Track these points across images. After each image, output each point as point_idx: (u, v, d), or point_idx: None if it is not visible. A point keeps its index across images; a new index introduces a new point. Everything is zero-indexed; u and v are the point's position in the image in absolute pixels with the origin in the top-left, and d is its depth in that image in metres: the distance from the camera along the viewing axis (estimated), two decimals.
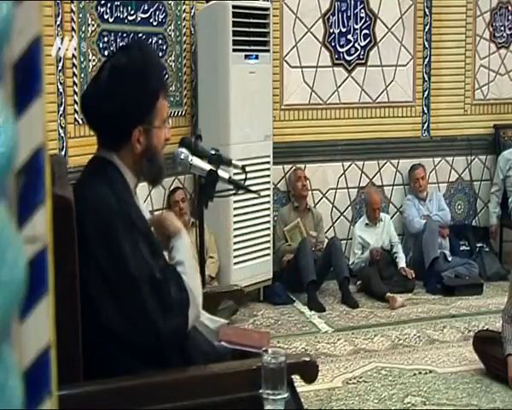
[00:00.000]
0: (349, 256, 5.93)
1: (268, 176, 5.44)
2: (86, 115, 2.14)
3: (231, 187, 2.65)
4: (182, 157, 2.50)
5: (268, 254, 5.49)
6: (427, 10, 6.23)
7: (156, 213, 2.47)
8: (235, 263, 5.25)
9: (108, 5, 4.68)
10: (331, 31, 6.03)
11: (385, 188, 6.28)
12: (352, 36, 6.09)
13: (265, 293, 5.51)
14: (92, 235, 1.94)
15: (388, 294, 5.44)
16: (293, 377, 1.98)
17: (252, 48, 5.22)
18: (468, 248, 6.32)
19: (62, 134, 4.32)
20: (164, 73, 2.23)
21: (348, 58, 6.10)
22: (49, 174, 0.78)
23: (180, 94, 5.36)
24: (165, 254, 2.14)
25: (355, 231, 6.01)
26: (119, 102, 2.01)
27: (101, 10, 4.64)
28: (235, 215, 5.18)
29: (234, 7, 5.05)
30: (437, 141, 6.38)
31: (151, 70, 2.09)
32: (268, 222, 5.48)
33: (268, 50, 5.36)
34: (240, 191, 2.72)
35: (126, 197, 2.05)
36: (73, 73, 4.41)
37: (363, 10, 6.09)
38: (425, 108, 6.32)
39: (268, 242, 5.49)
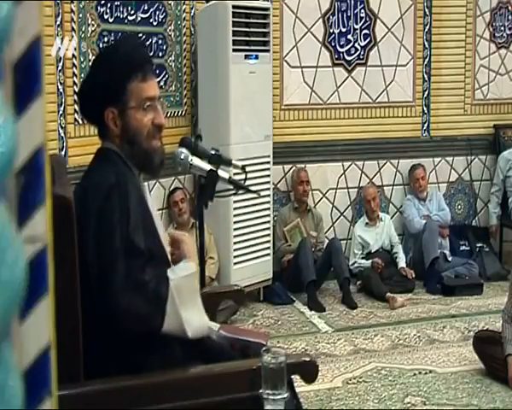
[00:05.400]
0: (349, 256, 5.92)
1: (268, 176, 5.44)
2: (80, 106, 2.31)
3: (231, 187, 2.65)
4: (182, 157, 2.50)
5: (268, 254, 5.49)
6: (427, 10, 6.23)
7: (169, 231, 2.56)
8: (235, 263, 5.24)
9: (108, 5, 4.68)
10: (331, 31, 6.03)
11: (385, 188, 6.28)
12: (352, 36, 6.09)
13: (265, 293, 5.50)
14: (91, 213, 1.95)
15: (388, 294, 5.43)
16: (293, 377, 1.98)
17: (252, 48, 5.22)
18: (468, 248, 6.32)
19: (62, 134, 4.33)
20: (141, 56, 2.23)
21: (348, 58, 6.09)
22: (49, 174, 0.78)
23: (180, 94, 5.36)
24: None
25: (355, 231, 6.00)
26: (90, 86, 2.15)
27: (101, 10, 4.64)
28: (235, 215, 5.18)
29: (234, 7, 5.05)
30: (437, 141, 6.38)
31: (119, 53, 2.16)
32: (268, 222, 5.48)
33: (268, 50, 5.35)
34: (240, 191, 2.72)
35: (129, 176, 2.06)
36: (73, 73, 4.41)
37: (363, 10, 6.08)
38: (425, 108, 6.31)
39: (268, 242, 5.49)
